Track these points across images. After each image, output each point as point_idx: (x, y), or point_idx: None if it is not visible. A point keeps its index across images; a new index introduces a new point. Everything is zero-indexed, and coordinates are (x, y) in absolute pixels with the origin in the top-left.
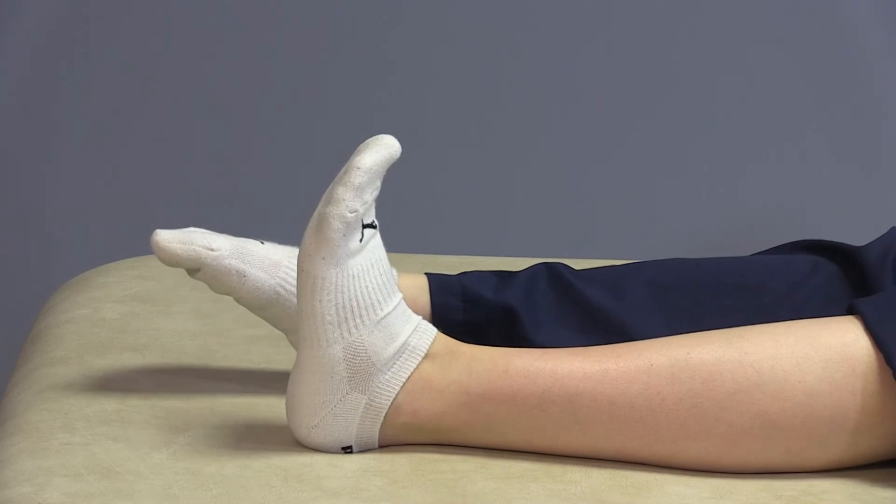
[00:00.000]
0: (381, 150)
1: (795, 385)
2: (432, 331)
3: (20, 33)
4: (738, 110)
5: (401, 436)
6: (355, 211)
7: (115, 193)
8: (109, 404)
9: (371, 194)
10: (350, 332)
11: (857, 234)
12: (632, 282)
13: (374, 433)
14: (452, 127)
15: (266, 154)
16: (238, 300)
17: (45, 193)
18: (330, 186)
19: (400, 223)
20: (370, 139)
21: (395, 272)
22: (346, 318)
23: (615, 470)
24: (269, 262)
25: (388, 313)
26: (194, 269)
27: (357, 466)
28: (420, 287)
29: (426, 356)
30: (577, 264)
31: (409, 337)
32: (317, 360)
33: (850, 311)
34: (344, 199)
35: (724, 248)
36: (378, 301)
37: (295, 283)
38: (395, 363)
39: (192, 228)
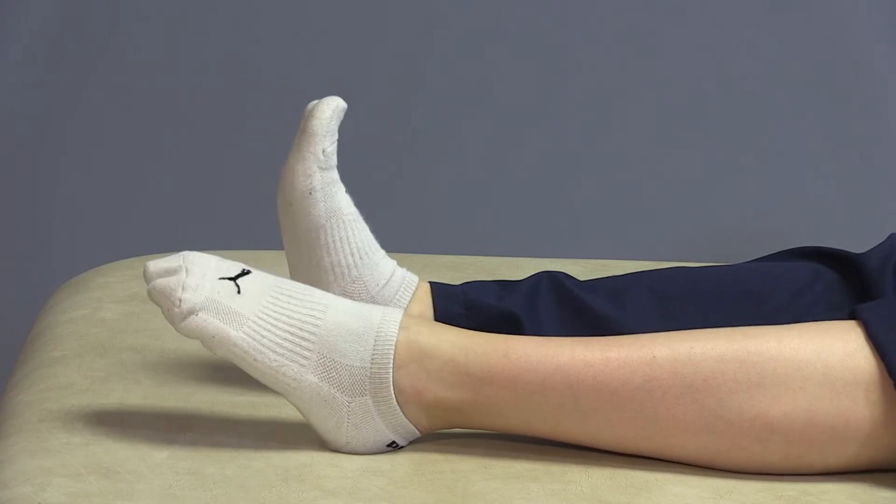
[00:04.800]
0: (155, 269)
1: (796, 390)
2: (397, 313)
3: (20, 33)
4: (738, 112)
5: (427, 419)
6: (179, 300)
7: (115, 193)
8: (109, 404)
9: (188, 277)
10: (306, 358)
11: (856, 238)
12: (633, 290)
13: (404, 422)
14: (452, 127)
15: (266, 155)
16: None
17: (44, 193)
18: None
19: (400, 223)
20: (144, 271)
21: (416, 278)
22: (291, 351)
23: (615, 469)
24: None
25: (327, 319)
26: None
27: (357, 466)
28: (423, 294)
29: (404, 338)
30: (577, 264)
31: (370, 325)
32: (303, 396)
33: (852, 317)
34: (166, 301)
35: (724, 248)
36: (307, 317)
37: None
38: (372, 356)
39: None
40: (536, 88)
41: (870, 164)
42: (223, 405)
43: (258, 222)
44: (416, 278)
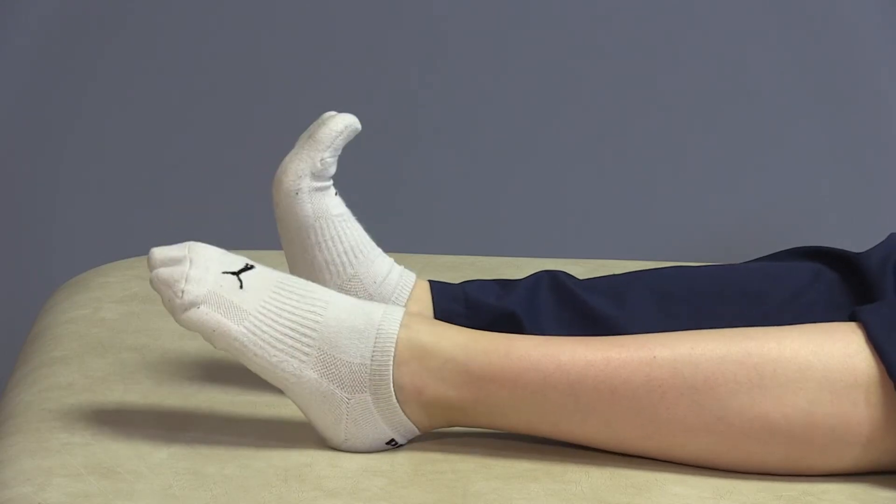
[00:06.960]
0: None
1: (797, 391)
2: (398, 311)
3: (20, 33)
4: (738, 112)
5: (427, 418)
6: (181, 292)
7: (115, 193)
8: (109, 404)
9: (192, 268)
10: (306, 354)
11: (856, 238)
12: (633, 289)
13: (403, 420)
14: (452, 127)
15: (265, 155)
16: None
17: (45, 193)
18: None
19: (400, 223)
20: None
21: (414, 275)
22: (291, 347)
23: (615, 469)
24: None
25: (328, 316)
26: None
27: (357, 466)
28: (422, 293)
29: (405, 335)
30: (577, 264)
31: (371, 322)
32: (302, 392)
33: (852, 318)
34: (168, 290)
35: (724, 248)
36: (308, 313)
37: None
38: (372, 353)
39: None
40: (537, 89)
41: (869, 164)
42: (223, 405)
43: (259, 222)
44: (413, 275)
